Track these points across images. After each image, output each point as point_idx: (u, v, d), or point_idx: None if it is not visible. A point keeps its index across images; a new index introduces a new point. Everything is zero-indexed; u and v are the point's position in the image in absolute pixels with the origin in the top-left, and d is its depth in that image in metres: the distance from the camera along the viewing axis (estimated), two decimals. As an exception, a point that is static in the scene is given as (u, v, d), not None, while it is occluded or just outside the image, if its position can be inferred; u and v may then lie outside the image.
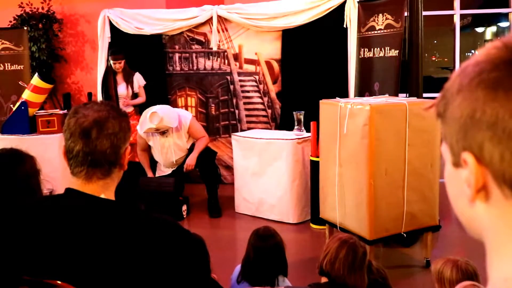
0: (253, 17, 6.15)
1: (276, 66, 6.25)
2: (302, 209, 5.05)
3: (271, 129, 6.18)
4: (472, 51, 10.40)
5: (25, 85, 5.95)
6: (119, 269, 1.28)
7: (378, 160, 3.62)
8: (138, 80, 6.03)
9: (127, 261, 1.29)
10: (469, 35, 10.20)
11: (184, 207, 5.26)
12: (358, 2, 5.57)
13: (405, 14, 4.86)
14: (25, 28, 6.92)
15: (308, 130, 5.04)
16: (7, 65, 6.55)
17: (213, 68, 6.49)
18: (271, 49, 6.24)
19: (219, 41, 6.36)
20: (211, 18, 6.26)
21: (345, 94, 5.51)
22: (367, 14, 5.30)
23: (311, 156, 4.80)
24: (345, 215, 3.90)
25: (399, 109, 3.69)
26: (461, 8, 7.44)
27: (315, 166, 4.58)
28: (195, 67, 6.54)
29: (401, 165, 3.70)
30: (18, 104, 5.80)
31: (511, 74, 0.56)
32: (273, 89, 6.30)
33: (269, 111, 6.33)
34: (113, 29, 6.50)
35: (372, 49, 5.21)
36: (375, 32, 5.18)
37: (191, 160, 5.23)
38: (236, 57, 6.38)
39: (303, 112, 5.19)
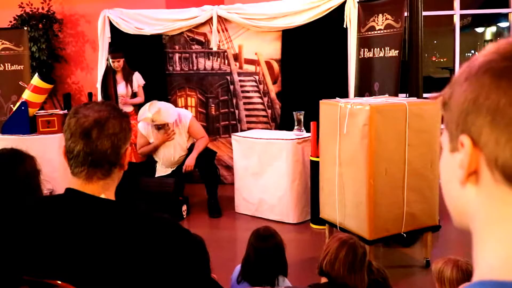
0: (253, 17, 6.15)
1: (276, 66, 6.25)
2: (302, 209, 5.05)
3: (271, 129, 6.18)
4: (472, 51, 10.40)
5: (25, 85, 5.95)
6: (120, 269, 1.28)
7: (378, 160, 3.63)
8: (138, 79, 6.03)
9: (128, 261, 1.29)
10: (469, 35, 10.19)
11: (184, 207, 5.27)
12: (358, 2, 5.57)
13: (405, 14, 4.86)
14: (25, 28, 6.92)
15: (308, 130, 5.05)
16: (7, 65, 6.55)
17: (213, 68, 6.49)
18: (271, 49, 6.24)
19: (219, 41, 6.36)
20: (211, 18, 6.26)
21: (345, 94, 5.51)
22: (367, 14, 5.30)
23: (311, 156, 4.80)
24: (345, 215, 3.90)
25: (399, 109, 3.70)
26: (461, 8, 7.44)
27: (315, 166, 4.58)
28: (195, 67, 6.54)
29: (401, 165, 3.71)
30: (18, 104, 5.80)
31: None
32: (273, 89, 6.30)
33: (269, 111, 6.34)
34: (113, 29, 6.51)
35: (372, 49, 5.22)
36: (375, 32, 5.18)
37: (190, 161, 5.23)
38: (236, 57, 6.38)
39: (303, 112, 5.19)
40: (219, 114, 6.52)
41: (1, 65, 6.54)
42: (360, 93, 5.28)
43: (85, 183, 1.38)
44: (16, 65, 6.55)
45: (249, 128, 6.20)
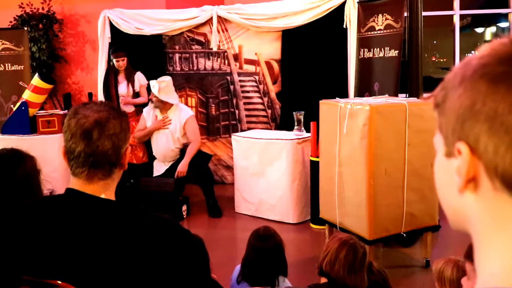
0: (253, 18, 6.16)
1: (276, 66, 6.25)
2: (302, 209, 5.05)
3: (271, 129, 6.18)
4: (472, 51, 10.40)
5: (26, 85, 5.95)
6: (120, 269, 1.28)
7: (377, 160, 3.63)
8: (140, 79, 6.02)
9: (128, 261, 1.29)
10: (469, 35, 10.19)
11: (184, 207, 5.27)
12: (358, 2, 5.57)
13: (405, 14, 4.87)
14: (26, 28, 6.92)
15: (308, 130, 5.05)
16: (8, 65, 6.55)
17: (213, 69, 6.49)
18: (271, 50, 6.25)
19: (219, 42, 6.36)
20: (211, 18, 6.27)
21: (345, 94, 5.51)
22: (367, 14, 5.30)
23: (311, 156, 4.80)
24: (345, 215, 3.90)
25: (399, 109, 3.70)
26: (461, 8, 7.44)
27: (315, 166, 4.58)
28: (195, 67, 6.55)
29: (400, 165, 3.71)
30: (18, 104, 5.80)
31: None
32: (273, 89, 6.30)
33: (269, 111, 6.34)
34: (113, 29, 6.51)
35: (372, 49, 5.22)
36: (375, 32, 5.18)
37: (183, 167, 5.22)
38: (236, 57, 6.38)
39: (303, 112, 5.19)
40: (219, 114, 6.53)
41: (1, 65, 6.55)
42: (360, 93, 5.28)
43: (86, 183, 1.38)
44: (16, 65, 6.56)
45: (249, 128, 6.20)
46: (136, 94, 6.05)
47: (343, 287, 2.24)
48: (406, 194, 3.73)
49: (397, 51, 4.87)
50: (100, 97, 6.22)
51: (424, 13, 4.90)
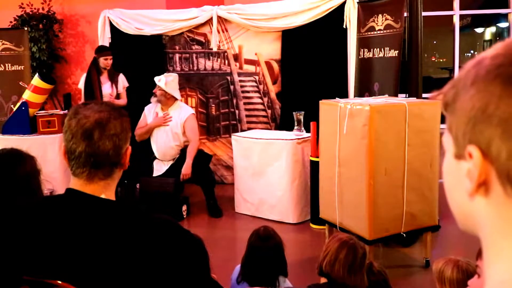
0: (253, 18, 6.16)
1: (276, 66, 6.25)
2: (302, 209, 5.05)
3: (271, 129, 6.18)
4: (472, 51, 10.41)
5: (26, 86, 5.95)
6: (120, 269, 1.28)
7: (377, 160, 3.63)
8: (123, 81, 5.91)
9: (128, 261, 1.29)
10: (469, 35, 10.20)
11: (184, 207, 5.27)
12: (357, 2, 5.57)
13: (405, 14, 4.87)
14: (26, 28, 6.92)
15: (308, 130, 5.05)
16: (8, 65, 6.55)
17: (213, 69, 6.49)
18: (271, 50, 6.25)
19: (219, 42, 6.36)
20: (211, 18, 6.27)
21: (344, 95, 5.51)
22: (366, 14, 5.30)
23: (311, 156, 4.80)
24: (344, 215, 3.90)
25: (399, 110, 3.70)
26: (461, 8, 7.45)
27: (315, 166, 4.58)
28: (195, 68, 6.55)
29: (400, 165, 3.71)
30: (18, 104, 5.80)
31: None
32: (273, 90, 6.30)
33: (269, 111, 6.34)
34: (113, 29, 6.51)
35: (371, 49, 5.22)
36: (375, 32, 5.18)
37: (186, 170, 5.22)
38: (236, 57, 6.38)
39: (303, 112, 5.19)
40: (219, 114, 6.53)
41: (2, 65, 6.54)
42: (360, 93, 5.28)
43: (86, 183, 1.38)
44: (17, 66, 6.56)
45: (249, 128, 6.20)
46: (116, 96, 5.94)
47: (343, 287, 2.24)
48: (406, 194, 3.73)
49: (397, 51, 4.87)
50: (83, 98, 5.90)
51: (424, 13, 4.90)
